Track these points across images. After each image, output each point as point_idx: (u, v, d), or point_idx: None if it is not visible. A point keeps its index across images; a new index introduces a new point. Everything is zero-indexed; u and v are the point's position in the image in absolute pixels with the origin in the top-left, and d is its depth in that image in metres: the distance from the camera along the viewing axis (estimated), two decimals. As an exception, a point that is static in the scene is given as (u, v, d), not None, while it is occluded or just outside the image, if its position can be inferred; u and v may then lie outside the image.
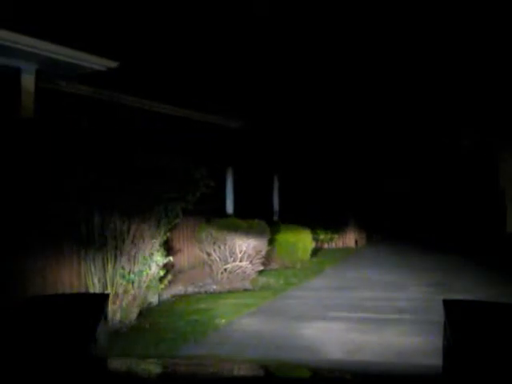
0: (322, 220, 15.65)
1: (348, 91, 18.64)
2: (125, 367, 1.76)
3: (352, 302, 8.38)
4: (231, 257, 9.70)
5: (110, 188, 6.43)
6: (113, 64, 9.89)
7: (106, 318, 1.49)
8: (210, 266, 9.99)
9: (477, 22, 17.63)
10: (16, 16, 9.62)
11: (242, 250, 9.64)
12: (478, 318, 1.45)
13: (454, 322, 1.39)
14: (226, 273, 9.83)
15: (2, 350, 1.28)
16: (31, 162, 6.20)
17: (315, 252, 13.81)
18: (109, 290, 6.69)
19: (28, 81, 9.68)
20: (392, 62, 18.22)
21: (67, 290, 6.78)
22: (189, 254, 9.86)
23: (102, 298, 1.57)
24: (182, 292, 9.38)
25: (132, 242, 6.62)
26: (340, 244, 17.62)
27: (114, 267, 6.65)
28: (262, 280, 10.41)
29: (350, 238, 18.06)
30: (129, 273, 6.64)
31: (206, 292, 9.53)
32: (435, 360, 1.50)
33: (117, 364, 1.74)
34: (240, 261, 9.71)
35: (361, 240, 18.36)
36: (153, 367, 1.85)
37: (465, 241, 16.39)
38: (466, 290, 9.11)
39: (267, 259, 10.94)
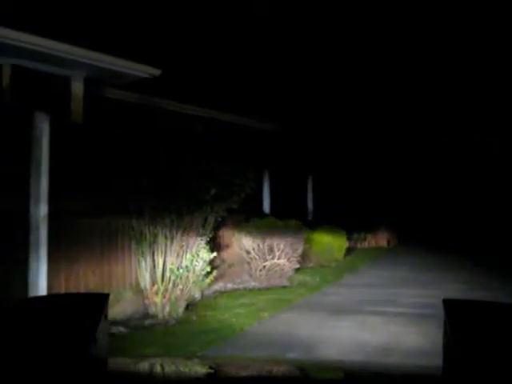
0: (355, 220, 15.95)
1: (378, 94, 18.91)
2: (125, 367, 1.76)
3: (387, 298, 8.72)
4: (269, 254, 10.11)
5: (160, 189, 6.90)
6: (157, 72, 10.39)
7: (106, 317, 1.49)
8: (249, 264, 10.40)
9: (477, 23, 17.72)
10: (62, 26, 10.18)
11: (280, 248, 10.04)
12: (478, 317, 1.46)
13: (454, 322, 1.40)
14: (265, 270, 10.23)
15: (1, 350, 1.29)
16: (87, 166, 6.71)
17: (349, 251, 14.13)
18: (159, 284, 7.17)
19: (77, 88, 10.24)
20: (414, 64, 18.45)
21: (120, 284, 7.27)
22: (228, 251, 10.27)
23: (102, 298, 1.55)
24: (222, 288, 9.80)
25: (181, 239, 7.08)
26: (373, 244, 17.91)
27: (163, 263, 7.12)
28: (299, 277, 10.79)
29: (382, 238, 18.34)
30: (178, 268, 7.10)
31: (244, 288, 9.95)
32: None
33: (117, 364, 1.73)
34: (278, 258, 10.11)
35: (393, 240, 18.61)
36: (153, 367, 1.85)
37: (497, 242, 16.49)
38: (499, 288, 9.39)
39: (303, 258, 11.30)
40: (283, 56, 18.55)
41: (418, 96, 19.72)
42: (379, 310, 7.88)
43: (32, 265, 5.80)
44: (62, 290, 6.28)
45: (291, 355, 5.46)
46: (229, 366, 1.92)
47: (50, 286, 5.98)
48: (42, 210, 5.84)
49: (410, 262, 13.93)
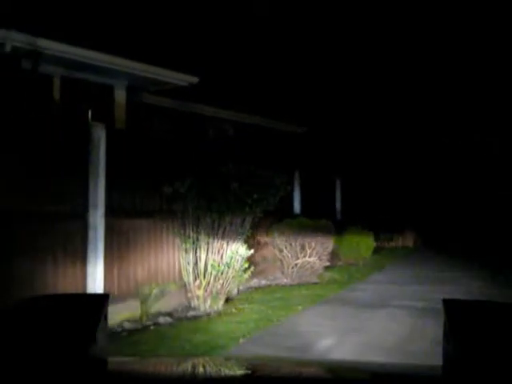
0: (382, 221, 16.40)
1: (404, 98, 19.29)
2: (125, 367, 1.77)
3: (413, 294, 9.22)
4: (301, 253, 10.66)
5: (202, 191, 7.52)
6: (194, 80, 11.04)
7: (105, 318, 1.50)
8: (281, 261, 10.97)
9: (477, 23, 17.86)
10: (104, 37, 10.86)
11: (311, 247, 10.59)
12: (478, 317, 1.46)
13: (454, 322, 1.40)
14: (296, 268, 10.79)
15: (1, 350, 1.29)
16: (136, 170, 7.35)
17: (376, 251, 14.60)
18: (201, 279, 7.78)
19: (120, 96, 10.93)
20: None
21: (165, 278, 7.89)
22: (262, 250, 10.84)
23: (102, 298, 1.56)
24: (257, 284, 10.38)
25: (222, 237, 7.68)
26: (399, 244, 18.35)
27: (205, 259, 7.73)
28: (328, 275, 11.33)
29: (408, 239, 18.78)
30: (218, 264, 7.70)
31: (277, 285, 10.52)
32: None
33: (117, 364, 1.74)
34: (309, 256, 10.66)
35: (418, 241, 19.03)
36: (153, 367, 1.86)
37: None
38: None
39: (332, 256, 11.82)
40: (313, 59, 19.09)
41: (436, 98, 20.10)
42: (406, 304, 8.38)
43: (90, 258, 6.45)
44: (115, 282, 6.93)
45: (324, 343, 6.02)
46: (229, 365, 1.93)
47: (105, 277, 6.63)
48: (99, 210, 6.50)
49: (433, 261, 14.37)
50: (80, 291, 6.36)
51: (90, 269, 6.47)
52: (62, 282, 6.13)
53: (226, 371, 1.83)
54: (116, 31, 11.72)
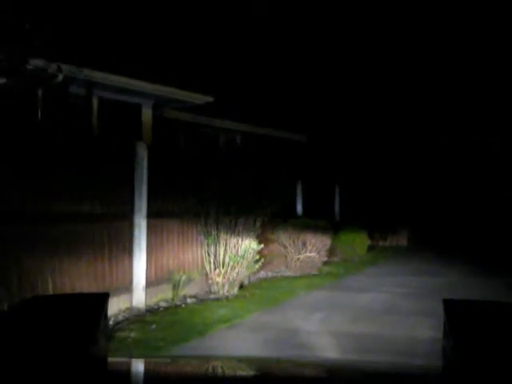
0: (377, 221, 18.06)
1: (392, 99, 20.48)
2: (125, 367, 1.78)
3: (399, 283, 10.95)
4: (303, 249, 12.39)
5: (222, 198, 9.28)
6: (210, 99, 12.80)
7: (106, 317, 1.51)
8: (285, 256, 12.70)
9: (477, 23, 18.78)
10: (133, 63, 12.57)
11: (312, 243, 12.32)
12: (478, 317, 1.47)
13: (454, 322, 1.41)
14: (299, 262, 12.52)
15: (1, 350, 1.31)
16: (168, 180, 9.10)
17: (371, 249, 16.29)
18: (220, 268, 9.51)
19: (147, 113, 12.69)
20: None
21: (190, 267, 9.62)
22: (269, 246, 12.50)
23: (102, 298, 1.55)
24: (264, 276, 12.09)
25: (237, 234, 9.42)
26: (393, 243, 20.00)
27: (224, 252, 9.47)
28: (326, 268, 13.05)
29: (402, 238, 20.37)
30: (235, 256, 9.44)
31: (282, 276, 12.25)
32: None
33: (117, 364, 1.75)
34: (310, 252, 12.39)
35: (412, 239, 20.63)
36: (153, 367, 1.86)
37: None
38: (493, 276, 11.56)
39: (330, 253, 13.53)
40: (312, 70, 20.46)
41: (431, 99, 20.97)
42: (391, 289, 10.12)
43: (136, 251, 8.19)
44: (153, 270, 8.66)
45: (319, 315, 7.78)
46: (229, 365, 1.94)
47: (146, 266, 8.37)
48: (142, 211, 8.24)
49: (423, 258, 16.07)
50: (128, 277, 8.11)
51: (135, 259, 8.21)
52: (115, 269, 7.87)
53: (227, 371, 1.86)
54: (140, 56, 13.43)
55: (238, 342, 6.49)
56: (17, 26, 7.76)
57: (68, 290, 6.91)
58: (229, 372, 1.86)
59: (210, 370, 1.87)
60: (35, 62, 7.92)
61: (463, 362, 1.25)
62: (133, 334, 6.59)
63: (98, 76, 10.73)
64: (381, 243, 19.21)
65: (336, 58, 20.35)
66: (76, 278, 7.22)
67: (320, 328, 7.06)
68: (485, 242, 18.77)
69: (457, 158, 22.49)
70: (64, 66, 10.09)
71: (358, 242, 15.16)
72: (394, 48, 20.21)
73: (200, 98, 12.72)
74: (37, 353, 1.29)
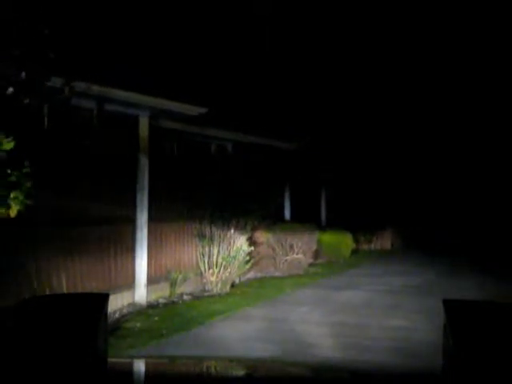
0: (362, 225, 18.92)
1: (378, 100, 21.12)
2: (125, 367, 1.80)
3: (379, 282, 11.85)
4: (290, 251, 13.26)
5: (216, 203, 10.13)
6: (204, 110, 13.61)
7: (105, 317, 1.52)
8: (274, 258, 13.55)
9: (477, 22, 19.02)
10: (127, 76, 13.35)
11: (299, 246, 13.19)
12: (478, 317, 1.48)
13: (454, 322, 1.42)
14: (286, 263, 13.38)
15: (2, 350, 1.33)
16: (166, 186, 9.93)
17: (355, 251, 17.18)
18: (213, 268, 10.34)
19: (143, 124, 13.46)
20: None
21: (186, 267, 10.45)
22: (258, 248, 13.36)
23: (102, 298, 1.56)
24: (254, 276, 12.93)
25: (230, 236, 10.27)
26: (378, 246, 20.87)
27: (217, 253, 10.31)
28: (312, 269, 13.92)
29: (386, 241, 21.25)
30: (227, 257, 10.28)
31: (271, 276, 13.08)
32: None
33: (117, 364, 1.77)
34: (297, 254, 13.26)
35: (396, 242, 21.52)
36: (152, 367, 1.89)
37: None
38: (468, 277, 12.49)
39: (316, 255, 14.42)
40: (298, 80, 21.18)
41: (419, 99, 21.50)
42: (371, 287, 11.00)
43: (138, 251, 9.02)
44: (153, 269, 9.48)
45: (303, 308, 8.65)
46: (229, 365, 1.97)
47: (147, 265, 9.19)
48: (144, 216, 9.07)
49: (405, 260, 16.99)
50: (131, 275, 8.93)
51: (137, 259, 9.03)
52: (120, 268, 8.69)
53: (226, 372, 1.89)
54: (136, 68, 14.23)
55: (233, 328, 7.43)
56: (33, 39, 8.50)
57: (77, 286, 7.73)
58: (228, 372, 1.90)
59: (210, 370, 1.91)
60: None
61: (463, 362, 1.27)
62: (138, 324, 7.44)
63: (103, 90, 11.52)
64: (365, 246, 20.07)
65: (320, 65, 20.88)
66: (85, 275, 8.04)
67: (304, 318, 8.00)
68: (466, 244, 19.67)
69: (439, 162, 23.04)
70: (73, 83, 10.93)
71: (343, 245, 16.05)
72: (395, 47, 20.40)
73: (193, 110, 13.51)
74: (37, 353, 1.31)
